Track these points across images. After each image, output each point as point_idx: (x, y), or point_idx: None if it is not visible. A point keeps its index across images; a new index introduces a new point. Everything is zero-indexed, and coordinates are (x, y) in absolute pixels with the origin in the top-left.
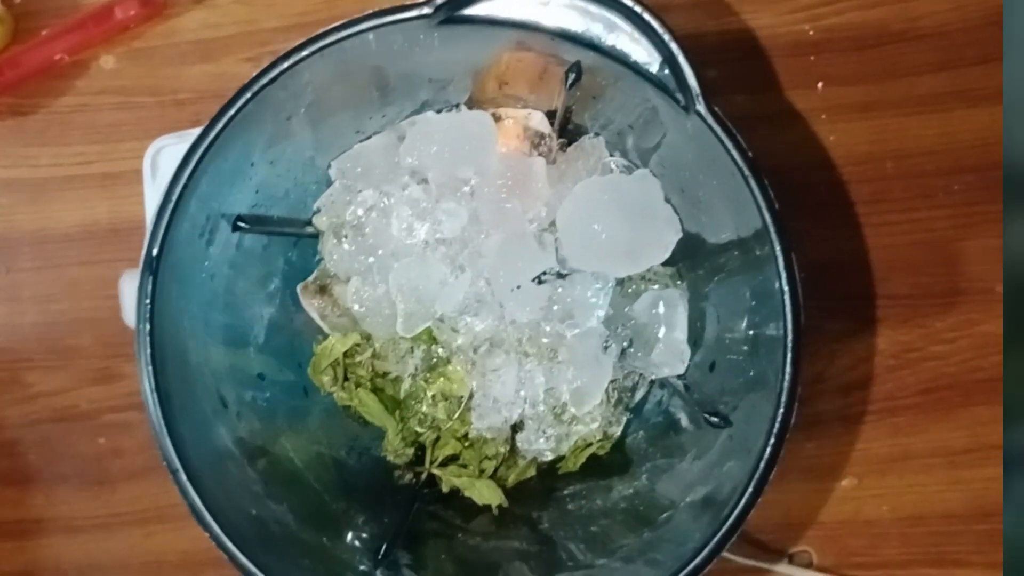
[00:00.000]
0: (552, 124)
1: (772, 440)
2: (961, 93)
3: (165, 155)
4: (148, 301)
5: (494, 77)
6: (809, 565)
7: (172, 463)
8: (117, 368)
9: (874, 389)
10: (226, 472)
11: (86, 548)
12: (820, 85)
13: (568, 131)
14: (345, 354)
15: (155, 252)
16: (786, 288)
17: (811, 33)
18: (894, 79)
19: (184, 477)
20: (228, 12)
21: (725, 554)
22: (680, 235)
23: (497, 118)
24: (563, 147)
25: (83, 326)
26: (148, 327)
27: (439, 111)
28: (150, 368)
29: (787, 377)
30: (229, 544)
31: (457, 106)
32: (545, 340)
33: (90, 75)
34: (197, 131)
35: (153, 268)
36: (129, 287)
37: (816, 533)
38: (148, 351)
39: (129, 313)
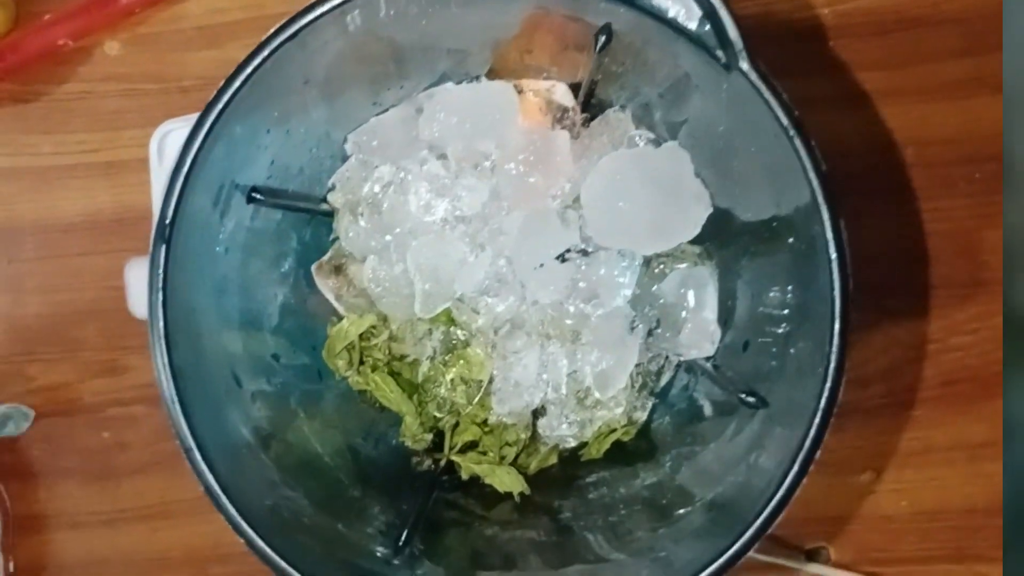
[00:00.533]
0: (576, 96)
1: (819, 418)
2: (984, 79)
3: (172, 139)
4: (161, 272)
5: (516, 47)
6: (826, 561)
7: (186, 441)
8: (122, 360)
9: (893, 381)
10: (239, 456)
11: (91, 544)
12: (838, 70)
13: (591, 106)
14: (361, 336)
15: (168, 219)
16: (834, 255)
17: (830, 17)
18: (915, 65)
19: (198, 455)
20: None
21: None
22: (711, 210)
23: (519, 91)
24: (586, 122)
25: (87, 317)
26: (161, 297)
27: (458, 83)
28: (163, 343)
29: (835, 350)
30: (246, 526)
31: (477, 78)
32: (568, 321)
33: (93, 61)
34: None
35: (167, 237)
36: (135, 275)
37: (833, 528)
38: (162, 323)
39: (136, 302)
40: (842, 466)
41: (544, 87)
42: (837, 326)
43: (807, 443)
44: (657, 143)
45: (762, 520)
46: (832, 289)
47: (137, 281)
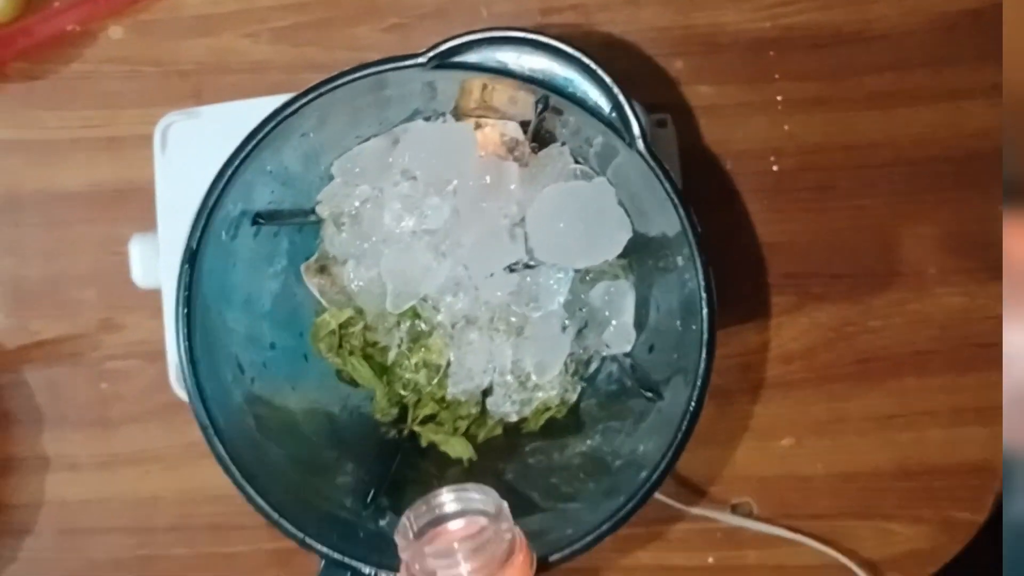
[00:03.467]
0: (525, 133)
1: (686, 420)
2: (906, 92)
3: (174, 130)
4: (186, 291)
5: (475, 98)
6: (749, 514)
7: (201, 417)
8: (119, 319)
9: (814, 359)
10: (239, 423)
11: (89, 484)
12: (777, 78)
13: (541, 136)
14: (340, 326)
15: (195, 246)
16: (704, 295)
17: (771, 31)
18: (846, 77)
19: (212, 432)
20: None
21: (673, 503)
22: (631, 235)
23: (478, 125)
24: (535, 150)
25: (87, 280)
26: (186, 310)
27: (427, 118)
28: (187, 344)
29: (702, 367)
30: (252, 491)
31: (443, 115)
32: (513, 319)
33: (98, 44)
34: (204, 108)
35: (191, 260)
36: (138, 250)
37: (757, 486)
38: (185, 330)
39: (138, 274)
40: (766, 432)
41: (499, 124)
42: (702, 368)
43: (679, 437)
44: (590, 177)
45: (643, 492)
46: (701, 323)
47: (140, 254)
